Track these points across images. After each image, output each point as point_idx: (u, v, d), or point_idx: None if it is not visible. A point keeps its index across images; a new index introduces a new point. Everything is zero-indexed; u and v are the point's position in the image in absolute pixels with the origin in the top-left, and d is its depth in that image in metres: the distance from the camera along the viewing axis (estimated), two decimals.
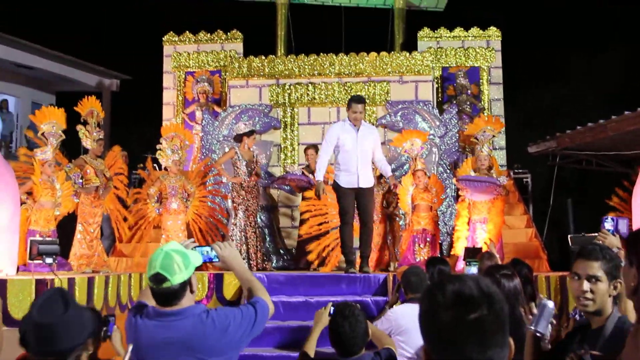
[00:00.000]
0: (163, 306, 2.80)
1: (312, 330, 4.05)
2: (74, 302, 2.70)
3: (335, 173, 8.30)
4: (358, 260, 8.36)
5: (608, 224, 3.92)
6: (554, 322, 2.96)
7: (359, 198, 8.11)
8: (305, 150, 10.72)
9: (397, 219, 9.73)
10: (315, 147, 10.57)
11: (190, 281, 2.80)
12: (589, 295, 2.86)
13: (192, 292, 2.82)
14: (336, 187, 8.19)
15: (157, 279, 2.72)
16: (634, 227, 7.00)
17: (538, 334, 2.90)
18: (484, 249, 8.41)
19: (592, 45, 17.59)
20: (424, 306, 1.68)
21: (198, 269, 2.93)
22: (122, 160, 9.86)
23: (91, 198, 8.89)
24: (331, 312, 3.83)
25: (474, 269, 4.34)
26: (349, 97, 8.76)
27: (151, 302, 2.92)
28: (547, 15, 19.13)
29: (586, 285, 2.86)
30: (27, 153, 8.73)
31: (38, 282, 6.56)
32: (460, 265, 8.68)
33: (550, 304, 2.89)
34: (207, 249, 3.00)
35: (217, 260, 3.00)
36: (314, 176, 8.80)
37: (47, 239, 7.52)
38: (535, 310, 2.99)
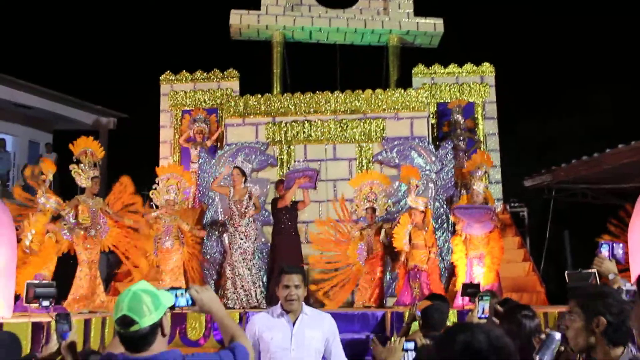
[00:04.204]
0: (132, 352, 2.54)
1: None
2: None
3: None
4: None
5: (604, 250, 3.89)
6: (562, 349, 2.89)
7: None
8: (277, 184, 10.62)
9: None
10: (282, 182, 10.31)
11: (161, 323, 2.55)
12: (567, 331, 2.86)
13: (163, 335, 2.57)
14: None
15: (125, 321, 2.48)
16: (630, 255, 7.05)
17: None
18: (482, 284, 8.43)
19: (586, 79, 17.74)
20: (434, 355, 1.66)
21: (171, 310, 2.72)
22: (132, 188, 9.79)
23: (82, 238, 8.87)
24: (404, 347, 3.62)
25: (484, 305, 4.16)
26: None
27: (120, 350, 2.66)
28: (541, 50, 19.35)
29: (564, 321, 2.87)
30: (28, 197, 8.77)
31: (35, 325, 6.53)
32: (459, 301, 8.66)
33: (557, 335, 2.85)
34: (181, 291, 2.73)
35: (191, 304, 2.75)
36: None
37: (44, 282, 7.50)
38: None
